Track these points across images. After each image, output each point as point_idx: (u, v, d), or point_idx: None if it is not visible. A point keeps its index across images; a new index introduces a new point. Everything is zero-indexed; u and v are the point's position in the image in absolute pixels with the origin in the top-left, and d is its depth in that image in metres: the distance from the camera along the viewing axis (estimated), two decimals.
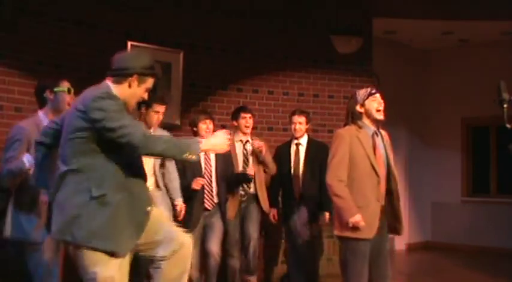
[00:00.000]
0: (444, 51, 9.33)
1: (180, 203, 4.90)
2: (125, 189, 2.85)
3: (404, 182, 8.66)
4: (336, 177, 3.91)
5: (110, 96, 2.83)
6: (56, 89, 3.79)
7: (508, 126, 3.57)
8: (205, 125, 5.11)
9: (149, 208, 2.94)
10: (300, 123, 5.48)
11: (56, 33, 5.21)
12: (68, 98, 3.78)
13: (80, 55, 5.35)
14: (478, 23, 7.86)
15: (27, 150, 3.60)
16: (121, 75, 2.94)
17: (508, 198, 8.84)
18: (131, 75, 2.93)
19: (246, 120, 5.46)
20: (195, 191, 4.99)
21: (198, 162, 5.06)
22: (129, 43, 5.69)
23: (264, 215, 5.58)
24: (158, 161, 4.86)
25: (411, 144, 8.99)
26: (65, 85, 3.83)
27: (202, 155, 5.09)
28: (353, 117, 4.01)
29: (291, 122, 5.55)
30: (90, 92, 2.89)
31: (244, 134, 5.50)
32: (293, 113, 5.58)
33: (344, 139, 3.94)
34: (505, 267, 7.59)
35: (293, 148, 5.53)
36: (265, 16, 6.69)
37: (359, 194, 3.90)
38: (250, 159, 5.48)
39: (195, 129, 5.17)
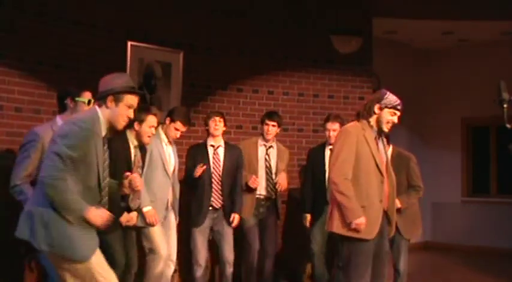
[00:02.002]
0: (444, 51, 9.33)
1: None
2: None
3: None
4: (342, 175, 3.88)
5: (80, 124, 3.06)
6: (77, 98, 3.92)
7: (508, 126, 3.57)
8: (214, 123, 5.19)
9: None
10: (334, 130, 5.42)
11: (56, 33, 5.21)
12: (86, 109, 3.84)
13: (80, 55, 5.35)
14: (478, 23, 7.86)
15: (42, 155, 3.63)
16: (100, 99, 3.19)
17: (508, 198, 8.84)
18: (107, 97, 3.16)
19: (268, 128, 5.48)
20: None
21: (208, 161, 5.15)
22: (129, 43, 5.68)
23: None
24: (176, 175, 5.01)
25: (411, 144, 8.97)
26: (86, 96, 3.95)
27: (211, 153, 5.18)
28: (366, 112, 3.98)
29: (324, 129, 5.52)
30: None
31: (267, 140, 5.53)
32: (327, 120, 5.52)
33: (351, 136, 3.92)
34: (505, 267, 7.59)
35: (327, 153, 5.50)
36: (265, 16, 6.68)
37: (364, 193, 3.89)
38: (273, 165, 5.51)
39: (206, 127, 5.26)
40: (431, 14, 7.46)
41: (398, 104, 3.97)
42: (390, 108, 3.95)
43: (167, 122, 4.92)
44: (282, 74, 6.80)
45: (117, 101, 3.16)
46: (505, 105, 3.62)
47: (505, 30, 8.16)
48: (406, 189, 5.08)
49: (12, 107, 4.90)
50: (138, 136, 4.54)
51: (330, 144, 5.48)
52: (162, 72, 5.97)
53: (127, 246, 4.41)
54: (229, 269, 5.23)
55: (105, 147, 3.22)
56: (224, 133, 5.38)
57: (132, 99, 3.20)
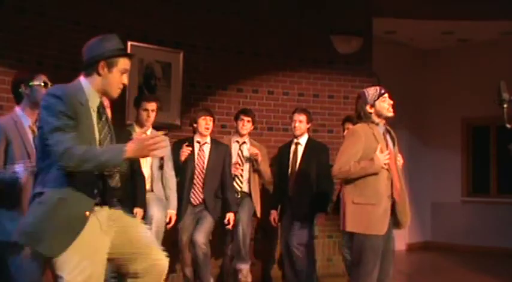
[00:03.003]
0: (444, 51, 9.33)
1: (172, 213, 4.92)
2: (66, 190, 2.67)
3: (404, 182, 8.65)
4: (337, 169, 3.98)
5: (59, 93, 2.68)
6: (31, 83, 3.60)
7: (508, 126, 3.58)
8: (204, 121, 5.16)
9: (87, 213, 2.70)
10: (300, 121, 5.46)
11: (56, 33, 5.21)
12: (44, 92, 3.50)
13: (80, 55, 5.31)
14: (478, 23, 7.86)
15: (7, 147, 3.48)
16: (89, 67, 2.82)
17: (508, 198, 8.84)
18: (97, 63, 2.80)
19: (243, 123, 5.50)
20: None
21: (191, 159, 5.10)
22: (129, 43, 5.68)
23: (257, 216, 5.63)
24: (156, 164, 4.86)
25: (411, 144, 8.99)
26: (40, 79, 3.63)
27: (196, 149, 5.14)
28: (364, 117, 4.03)
29: (291, 120, 5.56)
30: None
31: (241, 135, 5.53)
32: (294, 111, 5.59)
33: (358, 136, 3.97)
34: (505, 267, 7.59)
35: (292, 147, 5.52)
36: (265, 16, 6.68)
37: (373, 190, 3.93)
38: (246, 162, 5.52)
39: (194, 125, 5.21)
40: (431, 14, 7.46)
41: (381, 90, 4.05)
42: (378, 99, 3.99)
43: (136, 111, 4.84)
44: (282, 74, 6.80)
45: (110, 66, 2.79)
46: (505, 105, 3.63)
47: (505, 30, 8.16)
48: None
49: (13, 107, 4.88)
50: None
51: (296, 137, 5.50)
52: (162, 72, 5.97)
53: None
54: (201, 251, 5.01)
55: (103, 119, 2.84)
56: (221, 132, 5.38)
57: (126, 63, 2.84)
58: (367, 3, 7.08)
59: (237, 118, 5.59)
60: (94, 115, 2.78)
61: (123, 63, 2.84)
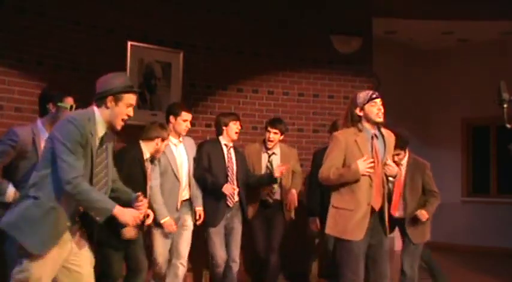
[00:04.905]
0: (444, 51, 9.33)
1: (200, 210, 5.01)
2: (59, 201, 3.04)
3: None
4: (322, 175, 4.00)
5: (78, 124, 3.05)
6: (59, 104, 3.90)
7: (508, 126, 3.58)
8: (235, 126, 5.17)
9: (69, 223, 3.10)
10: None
11: (56, 33, 5.21)
12: (67, 113, 3.80)
13: (80, 55, 5.35)
14: (478, 23, 7.87)
15: (21, 155, 3.75)
16: (99, 99, 3.19)
17: (508, 198, 8.84)
18: (106, 97, 3.16)
19: (269, 135, 5.44)
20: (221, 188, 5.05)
21: (222, 161, 5.14)
22: (129, 43, 5.69)
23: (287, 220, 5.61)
24: (192, 169, 4.95)
25: (411, 144, 8.95)
26: (68, 102, 3.93)
27: (226, 152, 5.18)
28: (352, 120, 4.01)
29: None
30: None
31: (269, 146, 5.50)
32: (333, 127, 5.38)
33: (339, 142, 3.97)
34: (505, 267, 7.59)
35: None
36: (265, 16, 6.68)
37: (352, 196, 3.94)
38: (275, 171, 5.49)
39: (224, 128, 5.17)
40: (431, 14, 7.46)
41: (372, 94, 4.02)
42: (368, 102, 3.97)
43: (172, 120, 4.87)
44: (282, 74, 6.80)
45: (117, 100, 3.17)
46: (505, 105, 3.63)
47: (505, 30, 8.17)
48: (421, 195, 5.08)
49: (12, 107, 4.91)
50: (157, 153, 4.56)
51: None
52: (162, 72, 5.97)
53: (136, 251, 4.38)
54: (235, 266, 5.20)
55: (104, 147, 3.21)
56: None
57: (132, 99, 3.23)
58: (367, 3, 7.08)
59: (265, 127, 5.53)
60: (97, 141, 3.16)
61: (129, 98, 3.22)
